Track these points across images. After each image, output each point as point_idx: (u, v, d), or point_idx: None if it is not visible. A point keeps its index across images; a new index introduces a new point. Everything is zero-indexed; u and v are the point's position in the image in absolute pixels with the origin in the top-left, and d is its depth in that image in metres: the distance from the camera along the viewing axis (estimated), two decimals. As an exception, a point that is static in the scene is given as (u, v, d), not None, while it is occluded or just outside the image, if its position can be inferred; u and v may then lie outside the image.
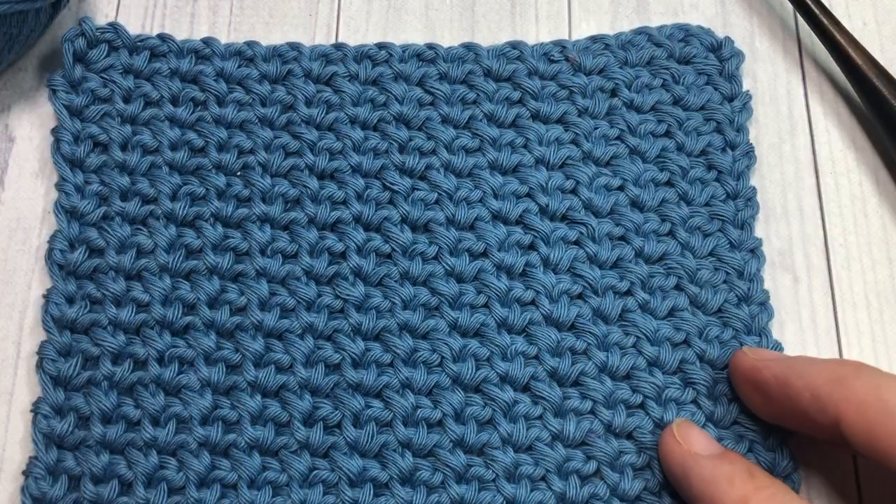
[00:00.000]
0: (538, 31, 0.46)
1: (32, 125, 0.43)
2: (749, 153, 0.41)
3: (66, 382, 0.37)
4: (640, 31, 0.43)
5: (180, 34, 0.44)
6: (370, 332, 0.38)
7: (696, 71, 0.42)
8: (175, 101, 0.41)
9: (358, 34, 0.45)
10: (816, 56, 0.46)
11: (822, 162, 0.44)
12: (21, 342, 0.40)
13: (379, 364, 0.38)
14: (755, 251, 0.39)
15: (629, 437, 0.37)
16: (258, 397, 0.37)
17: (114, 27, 0.42)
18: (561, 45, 0.42)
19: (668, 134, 0.41)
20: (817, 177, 0.44)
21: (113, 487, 0.36)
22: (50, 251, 0.39)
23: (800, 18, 0.46)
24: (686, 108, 0.41)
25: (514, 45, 0.42)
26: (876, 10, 0.47)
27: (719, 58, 0.42)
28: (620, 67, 0.42)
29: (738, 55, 0.43)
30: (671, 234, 0.40)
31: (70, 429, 0.37)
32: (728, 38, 0.43)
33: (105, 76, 0.42)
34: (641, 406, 0.37)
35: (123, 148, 0.40)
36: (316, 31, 0.46)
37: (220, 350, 0.38)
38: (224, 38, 0.45)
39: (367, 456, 0.37)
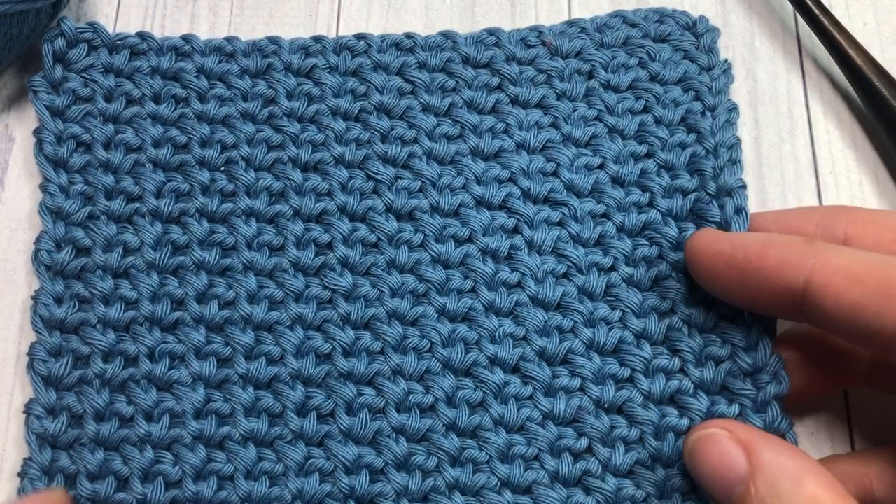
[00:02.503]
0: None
1: (32, 125, 0.43)
2: (731, 109, 0.41)
3: (58, 382, 0.37)
4: (615, 14, 0.43)
5: (181, 34, 0.44)
6: (359, 322, 0.38)
7: (673, 48, 0.42)
8: (157, 99, 0.41)
9: (358, 34, 0.46)
10: (816, 56, 0.46)
11: (822, 162, 0.44)
12: (21, 342, 0.40)
13: (369, 352, 0.38)
14: (732, 192, 0.38)
15: (619, 411, 0.37)
16: (250, 389, 0.37)
17: (93, 26, 0.42)
18: (538, 29, 0.43)
19: (646, 109, 0.41)
20: (817, 177, 0.44)
21: (109, 484, 0.36)
22: (36, 252, 0.39)
23: (800, 18, 0.46)
24: (663, 82, 0.42)
25: (492, 31, 0.42)
26: (876, 10, 0.47)
27: (694, 34, 0.43)
28: (597, 49, 0.42)
29: (714, 30, 0.43)
30: (651, 203, 0.40)
31: (63, 428, 0.37)
32: (703, 17, 0.43)
33: (86, 76, 0.41)
34: (630, 380, 0.37)
35: (106, 147, 0.40)
36: (316, 32, 0.46)
37: (210, 344, 0.38)
38: (224, 39, 0.45)
39: (361, 443, 0.37)
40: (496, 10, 0.46)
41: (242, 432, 0.37)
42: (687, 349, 0.37)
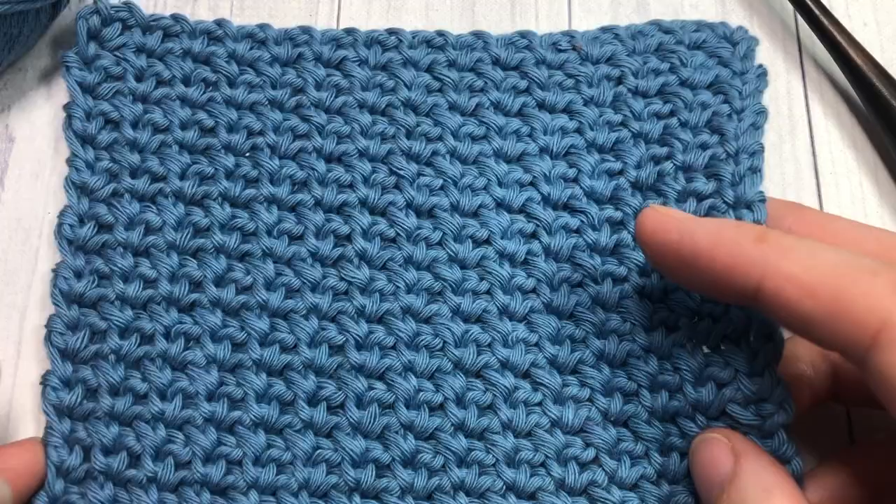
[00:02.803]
0: (539, 31, 0.46)
1: (32, 125, 0.43)
2: (759, 112, 0.40)
3: (74, 355, 0.38)
4: (651, 22, 0.43)
5: (214, 19, 0.44)
6: (373, 315, 0.38)
7: (707, 54, 0.41)
8: (186, 82, 0.41)
9: (358, 34, 0.46)
10: (816, 56, 0.46)
11: (822, 162, 0.44)
12: (21, 343, 0.40)
13: (382, 346, 0.38)
14: (752, 206, 0.37)
15: (625, 424, 0.37)
16: (263, 376, 0.38)
17: (128, 6, 0.42)
18: (570, 34, 0.42)
19: (672, 113, 0.40)
20: (817, 177, 0.44)
21: (122, 459, 0.36)
22: (60, 226, 0.39)
23: (800, 18, 0.46)
24: (693, 86, 0.41)
25: (524, 34, 0.42)
26: (876, 10, 0.47)
27: (731, 42, 0.42)
28: (628, 55, 0.41)
29: (751, 39, 0.42)
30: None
31: (78, 400, 0.37)
32: (741, 27, 0.42)
33: (118, 54, 0.42)
34: (636, 394, 0.37)
35: (134, 126, 0.41)
36: (316, 32, 0.46)
37: (225, 328, 0.38)
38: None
39: (369, 437, 0.37)
40: (496, 10, 0.46)
41: (253, 418, 0.37)
42: (686, 368, 0.36)
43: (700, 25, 0.42)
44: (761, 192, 0.37)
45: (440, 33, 0.42)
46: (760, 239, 0.31)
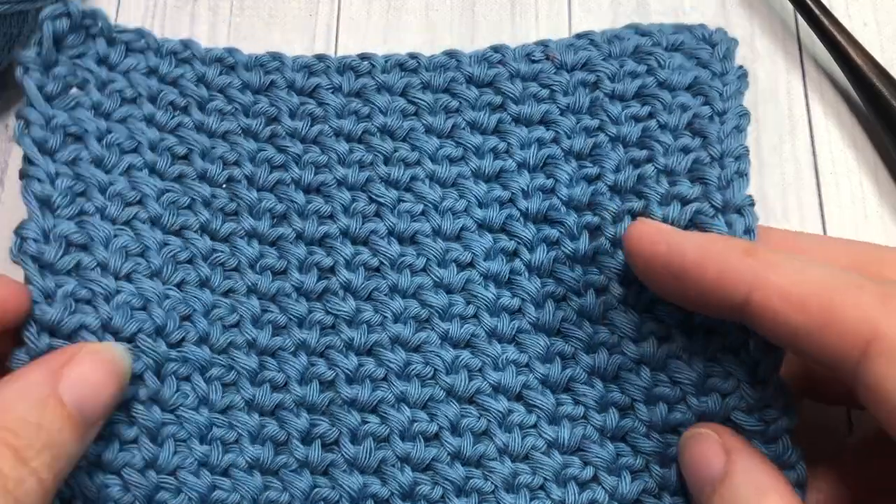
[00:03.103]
0: (538, 31, 0.46)
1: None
2: (742, 115, 0.38)
3: None
4: (628, 26, 0.42)
5: (180, 35, 0.44)
6: (362, 347, 0.38)
7: (685, 55, 0.40)
8: (153, 101, 0.40)
9: (358, 34, 0.46)
10: (816, 56, 0.46)
11: (822, 162, 0.44)
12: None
13: (373, 379, 0.37)
14: (742, 210, 0.36)
15: (623, 439, 0.37)
16: (255, 416, 0.37)
17: (93, 13, 0.39)
18: (543, 44, 0.41)
19: (651, 115, 0.39)
20: (817, 177, 0.44)
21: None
22: (21, 243, 0.35)
23: (800, 18, 0.46)
24: (672, 88, 0.39)
25: (497, 48, 0.41)
26: (876, 10, 0.47)
27: (710, 43, 0.40)
28: (604, 59, 0.40)
29: (730, 41, 0.40)
30: (646, 212, 0.37)
31: None
32: (720, 28, 0.41)
33: (79, 63, 0.39)
34: (632, 408, 0.37)
35: (100, 141, 0.38)
36: (316, 32, 0.46)
37: (213, 367, 0.37)
38: (224, 39, 0.45)
39: (366, 472, 0.37)
40: (496, 10, 0.46)
41: (248, 460, 0.36)
42: (686, 381, 0.36)
43: (678, 28, 0.41)
44: (750, 196, 0.36)
45: (412, 55, 0.41)
46: (748, 253, 0.31)
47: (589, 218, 0.38)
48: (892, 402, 0.27)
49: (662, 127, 0.39)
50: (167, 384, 0.36)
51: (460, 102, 0.41)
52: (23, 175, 0.36)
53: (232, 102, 0.40)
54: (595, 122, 0.40)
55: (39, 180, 0.36)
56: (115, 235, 0.37)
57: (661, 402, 0.36)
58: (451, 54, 0.41)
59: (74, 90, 0.38)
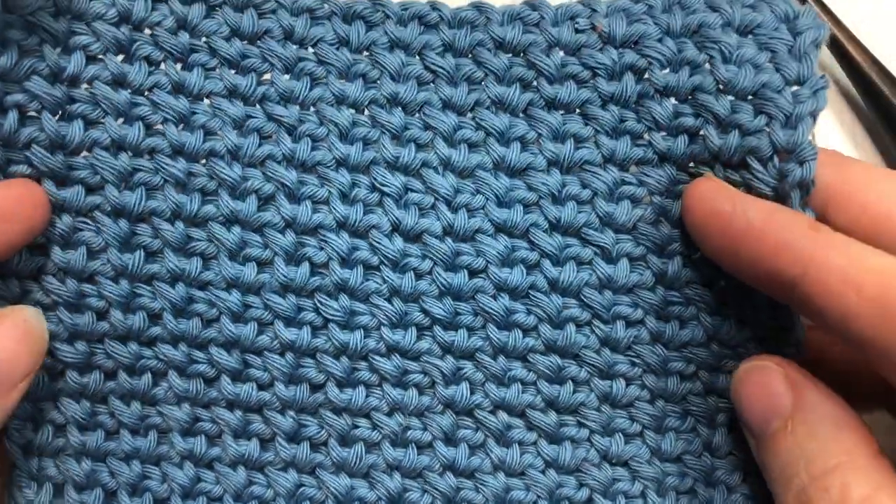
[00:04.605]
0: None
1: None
2: (806, 161, 0.31)
3: (34, 395, 0.35)
4: None
5: None
6: (356, 353, 0.35)
7: (758, 45, 0.33)
8: (124, 56, 0.33)
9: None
10: (816, 55, 0.46)
11: (822, 162, 0.43)
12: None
13: (367, 384, 0.35)
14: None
15: (625, 465, 0.36)
16: (239, 412, 0.35)
17: None
18: (591, 7, 0.34)
19: (701, 132, 0.33)
20: (818, 177, 0.43)
21: (97, 496, 0.35)
22: None
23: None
24: (734, 94, 0.32)
25: (535, 5, 0.34)
26: (876, 9, 0.46)
27: (792, 30, 0.33)
28: (660, 39, 0.33)
29: (819, 27, 0.33)
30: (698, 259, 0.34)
31: (49, 438, 0.35)
32: (808, 8, 0.33)
33: (31, 18, 0.32)
34: (640, 435, 0.36)
35: (54, 114, 0.32)
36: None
37: (193, 364, 0.35)
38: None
39: (354, 476, 0.36)
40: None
41: (232, 455, 0.35)
42: (700, 413, 0.35)
43: (758, 1, 0.33)
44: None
45: (434, 6, 0.34)
46: (814, 228, 0.30)
47: (629, 246, 0.34)
48: None
49: (715, 157, 0.33)
50: (143, 381, 0.35)
51: (486, 73, 0.34)
52: None
53: (216, 55, 0.33)
54: (641, 127, 0.34)
55: None
56: (79, 230, 0.33)
57: (672, 432, 0.35)
58: (480, 8, 0.34)
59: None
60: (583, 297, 0.35)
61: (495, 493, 0.35)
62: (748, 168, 0.32)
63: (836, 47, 0.44)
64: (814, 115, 0.31)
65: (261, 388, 0.35)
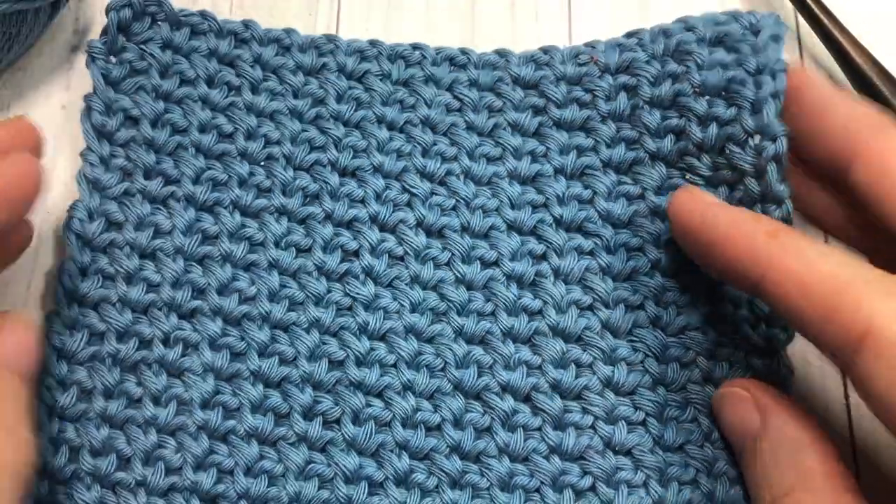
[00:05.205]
0: (539, 31, 0.46)
1: (31, 125, 0.43)
2: (778, 137, 0.35)
3: (71, 356, 0.38)
4: (677, 20, 0.40)
5: (242, 20, 0.43)
6: (376, 333, 0.38)
7: (726, 50, 0.38)
8: (210, 83, 0.41)
9: (357, 33, 0.45)
10: (816, 56, 0.46)
11: (822, 161, 0.44)
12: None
13: (382, 364, 0.38)
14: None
15: (628, 453, 0.37)
16: (260, 387, 0.37)
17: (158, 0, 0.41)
18: (591, 45, 0.41)
19: (685, 132, 0.38)
20: (817, 176, 0.43)
21: (111, 461, 0.36)
22: (70, 220, 0.39)
23: (800, 18, 0.46)
24: (707, 94, 0.38)
25: (546, 49, 0.41)
26: (876, 9, 0.47)
27: (755, 32, 0.38)
28: (647, 62, 0.40)
29: (776, 27, 0.38)
30: None
31: (72, 401, 0.37)
32: (773, 14, 0.39)
33: (144, 48, 0.41)
34: (643, 423, 0.37)
35: (154, 124, 0.40)
36: (316, 30, 0.46)
37: (225, 337, 0.38)
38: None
39: (363, 454, 0.37)
40: (496, 9, 0.46)
41: (247, 428, 0.37)
42: (699, 402, 0.37)
43: (727, 17, 0.39)
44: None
45: (464, 51, 0.42)
46: (772, 235, 0.32)
47: (627, 238, 0.39)
48: (881, 398, 0.28)
49: (700, 148, 0.38)
50: (174, 351, 0.38)
51: (504, 102, 0.41)
52: (83, 156, 0.40)
53: (283, 83, 0.41)
54: (634, 134, 0.39)
55: (91, 164, 0.39)
56: (150, 213, 0.39)
57: (674, 422, 0.37)
58: (501, 53, 0.42)
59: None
60: (585, 282, 0.38)
61: (499, 477, 0.36)
62: (730, 152, 0.37)
63: (835, 48, 0.44)
64: (775, 97, 0.36)
65: (283, 362, 0.38)
